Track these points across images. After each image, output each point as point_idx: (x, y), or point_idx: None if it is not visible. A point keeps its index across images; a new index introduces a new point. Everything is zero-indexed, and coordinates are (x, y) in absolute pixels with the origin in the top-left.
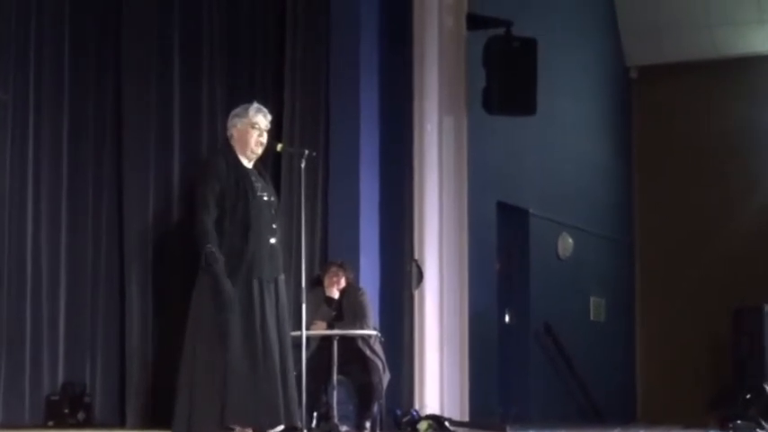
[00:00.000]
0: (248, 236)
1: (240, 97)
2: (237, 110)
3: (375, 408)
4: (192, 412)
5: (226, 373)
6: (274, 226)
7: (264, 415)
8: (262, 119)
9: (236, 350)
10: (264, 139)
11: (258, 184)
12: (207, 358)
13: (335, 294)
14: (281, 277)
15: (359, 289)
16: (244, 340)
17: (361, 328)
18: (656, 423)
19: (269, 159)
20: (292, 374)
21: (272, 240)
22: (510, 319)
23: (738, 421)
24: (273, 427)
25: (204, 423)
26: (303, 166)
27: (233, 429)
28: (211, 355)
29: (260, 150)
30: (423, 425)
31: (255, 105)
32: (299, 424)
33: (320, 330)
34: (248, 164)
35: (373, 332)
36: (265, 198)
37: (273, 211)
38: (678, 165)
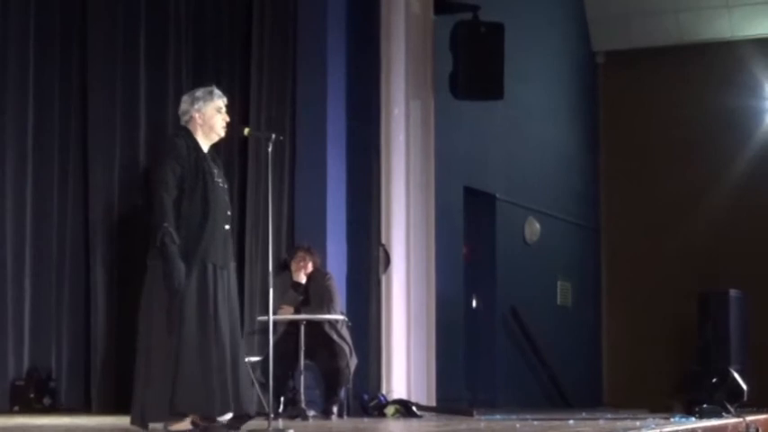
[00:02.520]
0: (206, 220)
1: (206, 80)
2: (198, 93)
3: (342, 392)
4: (145, 399)
5: (177, 359)
6: (228, 212)
7: (215, 403)
8: (223, 103)
9: (189, 337)
10: (226, 122)
11: (214, 170)
12: (159, 344)
13: (302, 279)
14: (233, 264)
15: (326, 274)
16: (196, 327)
17: (329, 312)
18: (621, 407)
19: (235, 144)
20: (244, 362)
21: (227, 227)
22: (477, 303)
23: (704, 405)
24: (223, 414)
25: (156, 410)
26: (270, 150)
27: (185, 416)
28: (163, 341)
29: (223, 134)
30: (390, 409)
31: (216, 90)
32: (251, 412)
33: (287, 315)
34: (206, 147)
35: (340, 317)
36: (221, 183)
37: (227, 197)
38: (644, 150)
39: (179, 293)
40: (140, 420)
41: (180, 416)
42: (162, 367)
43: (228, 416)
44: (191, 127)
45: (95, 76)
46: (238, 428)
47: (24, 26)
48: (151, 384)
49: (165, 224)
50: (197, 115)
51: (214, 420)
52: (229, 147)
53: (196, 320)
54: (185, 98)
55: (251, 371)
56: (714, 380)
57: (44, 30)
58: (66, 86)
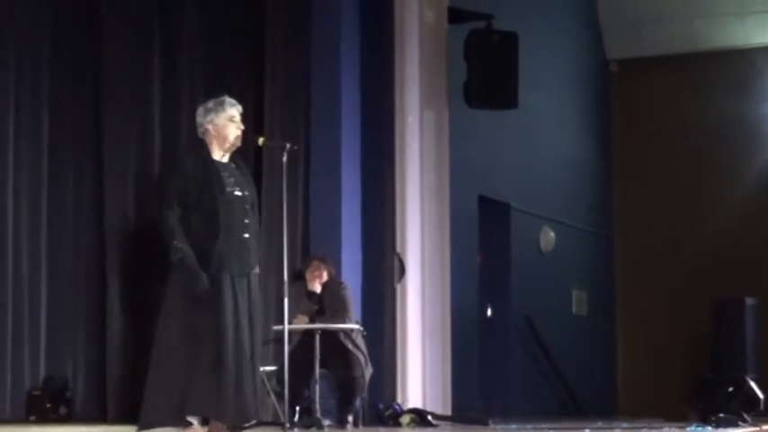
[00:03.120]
0: (216, 232)
1: (219, 91)
2: (210, 105)
3: (357, 402)
4: (156, 405)
5: (194, 367)
6: (247, 221)
7: (234, 411)
8: (236, 112)
9: (207, 346)
10: (241, 131)
11: (231, 179)
12: (175, 353)
13: (317, 288)
14: (254, 272)
15: (340, 283)
16: (215, 336)
17: (343, 322)
18: (637, 416)
19: (249, 154)
20: (259, 370)
21: (245, 235)
22: (491, 312)
23: (720, 414)
24: (243, 422)
25: (166, 415)
26: (285, 159)
27: (191, 423)
28: (179, 350)
29: (239, 143)
30: (405, 418)
31: (228, 99)
32: (261, 418)
33: (302, 324)
34: (224, 158)
35: (355, 326)
36: (237, 193)
37: (247, 206)
38: (658, 157)
39: (201, 298)
40: (146, 424)
41: (187, 423)
42: (176, 375)
43: (253, 422)
44: (206, 139)
45: (110, 87)
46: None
47: (39, 36)
48: (164, 390)
49: (175, 242)
50: (210, 127)
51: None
52: (243, 156)
53: (215, 330)
54: (199, 110)
55: (266, 380)
56: (730, 388)
57: (59, 41)
58: (81, 97)
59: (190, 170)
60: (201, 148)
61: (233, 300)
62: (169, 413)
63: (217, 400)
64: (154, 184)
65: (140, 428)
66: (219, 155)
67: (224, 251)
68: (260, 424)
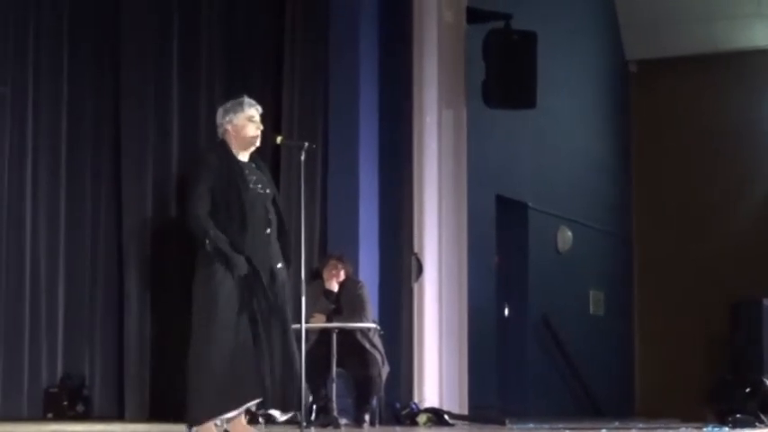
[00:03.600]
0: (244, 228)
1: (238, 91)
2: (228, 105)
3: (374, 401)
4: (205, 397)
5: (234, 359)
6: (270, 217)
7: (262, 399)
8: (255, 112)
9: (224, 341)
10: (260, 131)
11: (252, 177)
12: (210, 348)
13: (334, 287)
14: (279, 265)
15: (358, 282)
16: (234, 331)
17: (360, 321)
18: (654, 417)
19: (268, 152)
20: (297, 360)
21: (268, 231)
22: (509, 312)
23: (738, 415)
24: (278, 407)
25: (215, 407)
26: (303, 158)
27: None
28: (218, 345)
29: (258, 142)
30: (422, 418)
31: (247, 99)
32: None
33: (319, 323)
34: (244, 157)
35: (372, 325)
36: (260, 190)
37: (269, 203)
38: (676, 158)
39: (232, 295)
40: (196, 419)
41: (220, 413)
42: (218, 369)
43: (279, 413)
44: (227, 139)
45: (128, 87)
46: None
47: (57, 38)
48: (210, 383)
49: (209, 231)
50: (229, 127)
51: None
52: (262, 155)
53: (234, 325)
54: (219, 111)
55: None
56: (747, 389)
57: (77, 41)
58: (99, 98)
59: (216, 169)
60: (223, 147)
61: (260, 295)
62: (219, 405)
63: (258, 388)
64: (172, 185)
65: (190, 423)
66: (240, 154)
67: (249, 247)
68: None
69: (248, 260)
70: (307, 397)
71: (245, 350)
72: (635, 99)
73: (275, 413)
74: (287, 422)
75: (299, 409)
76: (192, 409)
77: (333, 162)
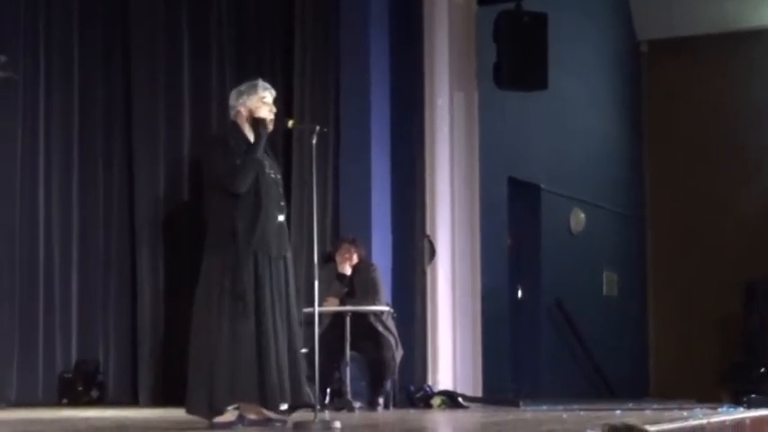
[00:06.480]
0: (259, 211)
1: (249, 74)
2: (243, 87)
3: (388, 384)
4: (212, 387)
5: (235, 351)
6: (282, 203)
7: (269, 392)
8: (269, 94)
9: (241, 328)
10: (273, 114)
11: (266, 162)
12: (215, 335)
13: (348, 271)
14: (289, 254)
15: (371, 265)
16: (251, 317)
17: (374, 304)
18: (668, 398)
19: (280, 137)
20: (300, 353)
21: (281, 218)
22: (522, 294)
23: (752, 395)
24: (278, 404)
25: (219, 399)
26: (314, 142)
27: (236, 408)
28: (216, 332)
29: (271, 126)
30: (436, 400)
31: (261, 82)
32: (311, 401)
33: (333, 307)
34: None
35: (386, 308)
36: (273, 175)
37: (280, 189)
38: (689, 139)
39: (241, 283)
40: (207, 409)
41: (225, 405)
42: (218, 357)
43: (284, 406)
44: (239, 121)
45: (139, 75)
46: (285, 421)
47: (68, 22)
48: (216, 372)
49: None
50: (242, 109)
51: (268, 409)
52: (273, 139)
53: (250, 311)
54: (232, 94)
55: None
56: (762, 369)
57: (88, 27)
58: (110, 85)
59: (233, 148)
60: (238, 130)
61: (270, 282)
62: (219, 400)
63: (259, 384)
64: (185, 171)
65: (194, 413)
66: (252, 138)
67: (264, 232)
68: (294, 407)
69: (259, 247)
70: (320, 381)
71: (250, 342)
72: (646, 79)
73: (283, 407)
74: (302, 405)
75: (304, 404)
76: (210, 398)
77: (345, 146)
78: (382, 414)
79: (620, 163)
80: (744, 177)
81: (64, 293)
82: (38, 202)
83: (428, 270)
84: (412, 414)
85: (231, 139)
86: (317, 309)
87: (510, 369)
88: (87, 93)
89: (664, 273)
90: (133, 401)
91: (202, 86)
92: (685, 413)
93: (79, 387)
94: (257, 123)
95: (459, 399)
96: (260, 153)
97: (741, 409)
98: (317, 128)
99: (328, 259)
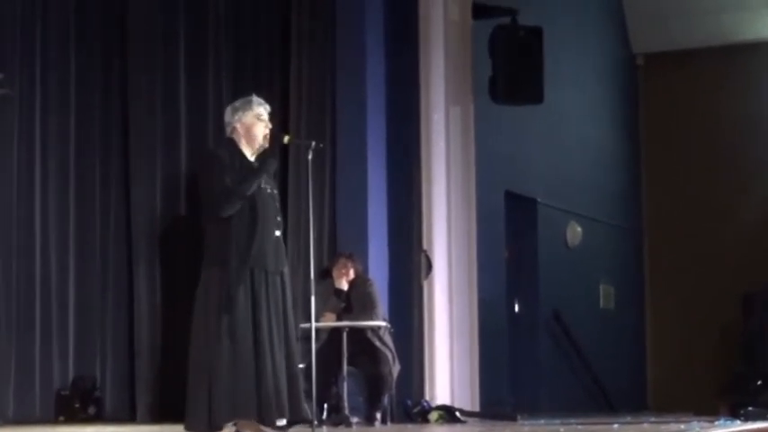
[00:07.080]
0: (255, 227)
1: (246, 89)
2: (238, 104)
3: (385, 399)
4: (211, 403)
5: (229, 365)
6: (279, 219)
7: (267, 408)
8: (264, 110)
9: (237, 344)
10: (269, 130)
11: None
12: (213, 351)
13: (344, 286)
14: (286, 270)
15: (367, 280)
16: (245, 334)
17: (371, 319)
18: (666, 411)
19: (275, 152)
20: (298, 368)
21: (277, 233)
22: (519, 308)
23: (750, 408)
24: (276, 420)
25: (218, 416)
26: (310, 157)
27: (233, 424)
28: (215, 348)
29: (267, 143)
30: (433, 415)
31: (255, 98)
32: (308, 416)
33: (329, 322)
34: (252, 157)
35: (383, 323)
36: (269, 191)
37: (277, 204)
38: (686, 152)
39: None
40: (206, 426)
41: (224, 422)
42: (217, 374)
43: (282, 422)
44: (235, 137)
45: (135, 89)
46: None
47: (64, 36)
48: (215, 389)
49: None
50: (238, 125)
51: (266, 425)
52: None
53: (247, 327)
54: (227, 110)
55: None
56: (759, 382)
57: (84, 40)
58: (107, 96)
59: (228, 164)
60: (233, 146)
61: (266, 298)
62: (218, 416)
63: (257, 400)
64: (182, 186)
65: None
66: (248, 154)
67: (260, 248)
68: (292, 423)
69: (256, 263)
70: (317, 396)
71: (248, 358)
72: (643, 92)
73: (280, 422)
74: (299, 421)
75: (301, 419)
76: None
77: (341, 160)
78: (380, 429)
79: (617, 176)
80: (741, 188)
81: (61, 310)
82: (34, 216)
83: (425, 284)
84: (409, 429)
85: (227, 156)
86: (313, 324)
87: (508, 382)
88: (84, 108)
89: (661, 285)
90: (131, 418)
91: (199, 101)
92: (682, 426)
93: (76, 404)
94: (263, 154)
95: (457, 413)
96: (254, 187)
97: (738, 422)
98: (313, 143)
99: (325, 274)
